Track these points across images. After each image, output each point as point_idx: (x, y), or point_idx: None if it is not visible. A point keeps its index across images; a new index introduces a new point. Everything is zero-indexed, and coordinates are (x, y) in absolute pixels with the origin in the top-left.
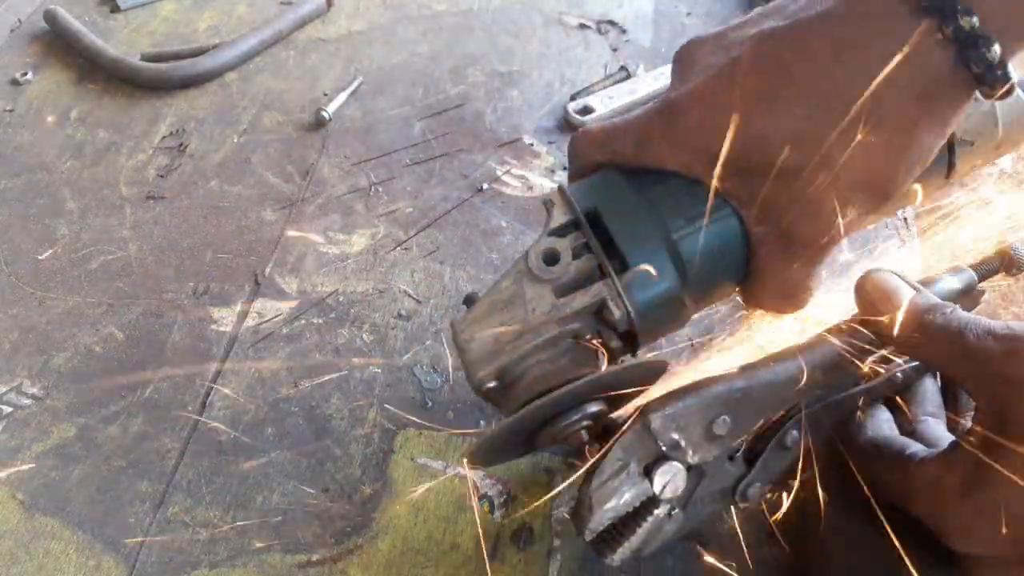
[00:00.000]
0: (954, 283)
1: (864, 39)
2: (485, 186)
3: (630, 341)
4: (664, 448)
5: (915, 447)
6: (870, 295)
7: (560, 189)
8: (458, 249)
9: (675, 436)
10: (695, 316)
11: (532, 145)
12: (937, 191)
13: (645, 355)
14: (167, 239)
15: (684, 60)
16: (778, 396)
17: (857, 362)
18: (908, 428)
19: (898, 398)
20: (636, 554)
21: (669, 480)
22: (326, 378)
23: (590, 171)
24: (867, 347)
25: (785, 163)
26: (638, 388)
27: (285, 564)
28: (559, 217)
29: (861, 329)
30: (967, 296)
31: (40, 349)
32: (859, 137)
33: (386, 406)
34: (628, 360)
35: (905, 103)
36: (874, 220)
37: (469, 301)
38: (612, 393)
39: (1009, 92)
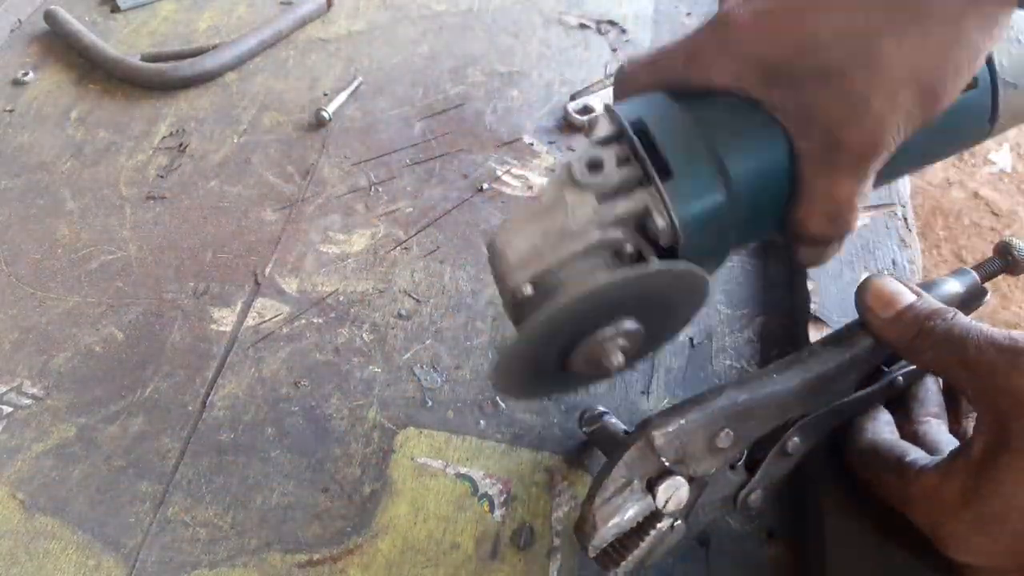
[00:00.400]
0: (956, 286)
1: None
2: (485, 186)
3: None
4: (667, 463)
5: (915, 453)
6: (870, 300)
7: (606, 106)
8: (458, 249)
9: (678, 452)
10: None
11: (532, 145)
12: (980, 140)
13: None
14: (167, 239)
15: None
16: (781, 407)
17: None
18: (909, 430)
19: (900, 398)
20: (640, 566)
21: (672, 495)
22: (326, 378)
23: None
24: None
25: (831, 62)
26: (678, 313)
27: (285, 564)
28: (604, 128)
29: (863, 334)
30: (971, 298)
31: (40, 349)
32: (906, 31)
33: (386, 406)
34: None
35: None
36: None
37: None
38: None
39: None
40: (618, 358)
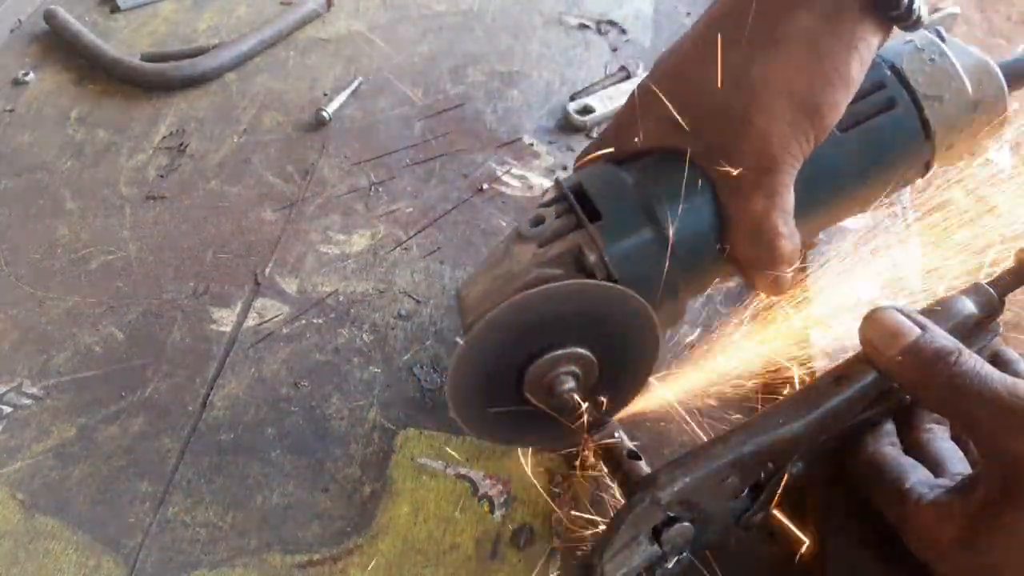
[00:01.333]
0: (969, 305)
1: None
2: (485, 186)
3: None
4: (672, 515)
5: (914, 478)
6: (873, 336)
7: (556, 179)
8: (458, 249)
9: (683, 503)
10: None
11: (532, 145)
12: (928, 157)
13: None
14: (167, 239)
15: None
16: (787, 450)
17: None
18: (912, 437)
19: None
20: None
21: (677, 537)
22: (326, 378)
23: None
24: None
25: (717, 98)
26: (628, 346)
27: (285, 564)
28: (550, 193)
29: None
30: (986, 315)
31: (40, 349)
32: (769, 55)
33: (386, 406)
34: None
35: (812, 20)
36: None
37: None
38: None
39: (913, 23)
40: (568, 383)
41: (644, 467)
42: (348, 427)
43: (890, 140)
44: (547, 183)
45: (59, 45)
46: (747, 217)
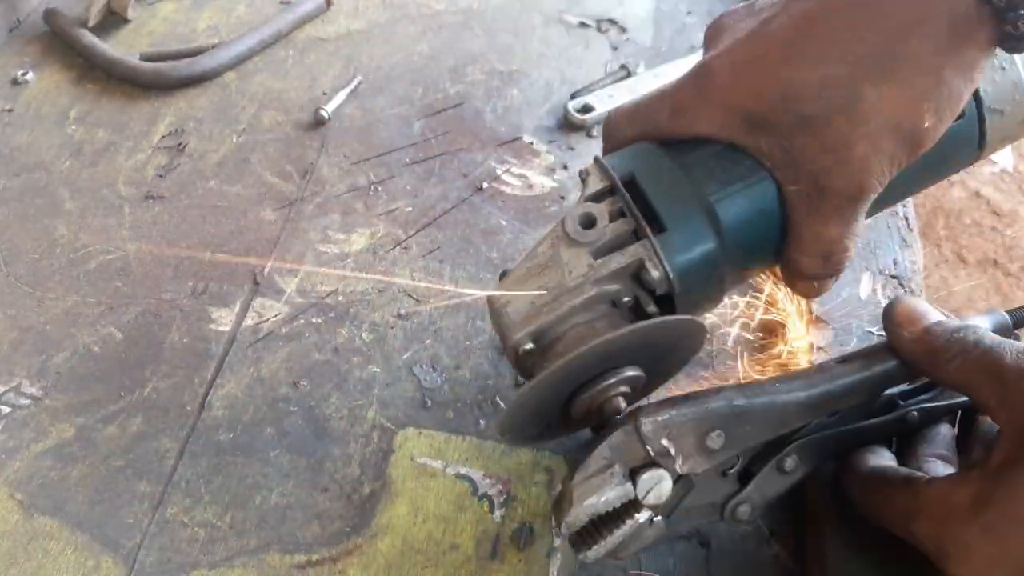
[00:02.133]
0: (984, 323)
1: None
2: (485, 185)
3: (668, 308)
4: (652, 454)
5: (920, 473)
6: (898, 317)
7: (596, 159)
8: (458, 248)
9: (665, 443)
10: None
11: (532, 144)
12: (971, 164)
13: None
14: (166, 239)
15: (715, 32)
16: (780, 418)
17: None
18: (914, 467)
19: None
20: (612, 555)
21: (653, 487)
22: (325, 377)
23: (625, 147)
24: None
25: (814, 112)
26: (676, 357)
27: (284, 564)
28: (595, 183)
29: (882, 356)
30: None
31: (38, 349)
32: (885, 80)
33: (385, 406)
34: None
35: (930, 44)
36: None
37: (503, 276)
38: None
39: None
40: (620, 404)
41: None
42: (347, 427)
43: (949, 152)
44: (547, 182)
45: (58, 45)
46: (821, 239)
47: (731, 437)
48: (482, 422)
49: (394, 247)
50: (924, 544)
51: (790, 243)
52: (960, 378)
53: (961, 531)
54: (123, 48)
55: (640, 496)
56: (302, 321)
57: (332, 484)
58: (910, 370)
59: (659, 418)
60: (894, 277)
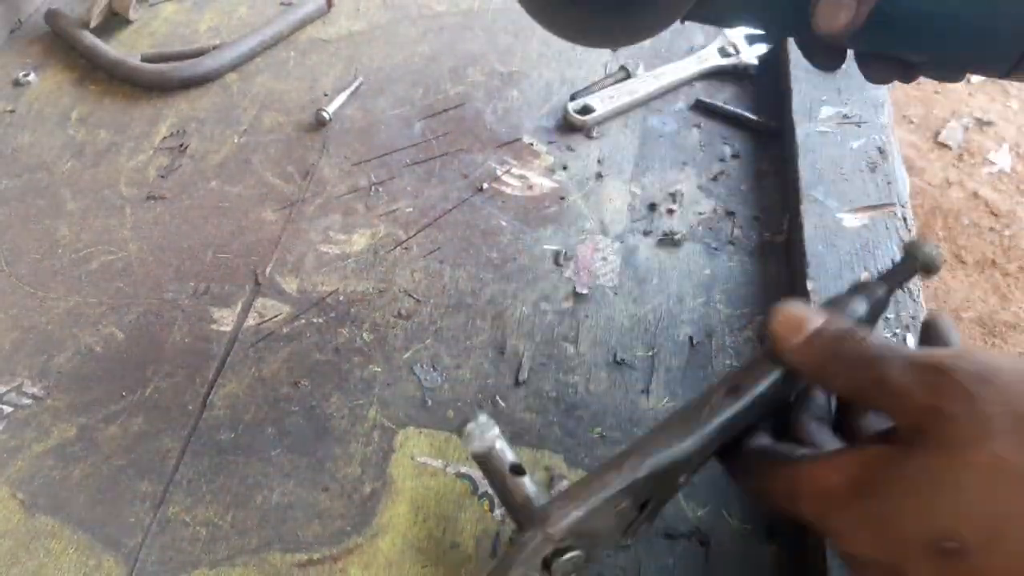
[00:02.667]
0: (860, 303)
1: None
2: (485, 186)
3: None
4: (564, 544)
5: (801, 450)
6: (778, 327)
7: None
8: (458, 248)
9: (576, 533)
10: (694, 315)
11: (532, 145)
12: None
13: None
14: (167, 239)
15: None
16: (680, 468)
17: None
18: (791, 437)
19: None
20: None
21: (568, 565)
22: (326, 377)
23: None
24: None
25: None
26: None
27: (285, 563)
28: None
29: (768, 367)
30: (874, 312)
31: (40, 349)
32: None
33: (386, 405)
34: None
35: None
36: None
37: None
38: None
39: None
40: None
41: (527, 485)
42: (348, 426)
43: None
44: (547, 182)
45: (60, 46)
46: None
47: (635, 500)
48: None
49: (395, 247)
50: (811, 523)
51: None
52: (849, 389)
53: (840, 516)
54: (125, 49)
55: (556, 574)
56: (303, 321)
57: (333, 483)
58: (796, 378)
59: (567, 523)
60: None
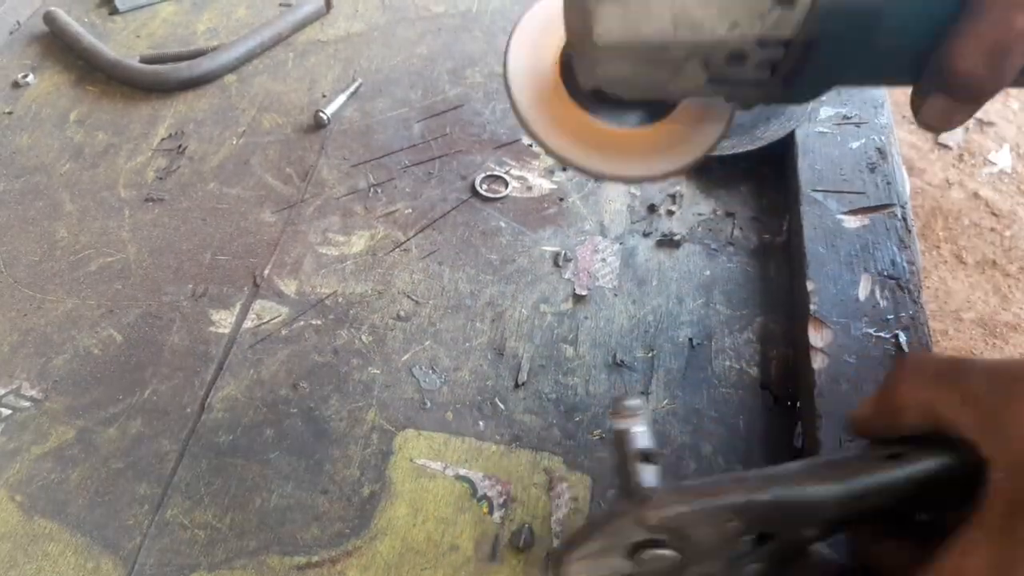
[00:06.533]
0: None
1: None
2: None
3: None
4: (656, 538)
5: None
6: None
7: None
8: (457, 250)
9: (673, 531)
10: (693, 316)
11: (531, 146)
12: None
13: None
14: (166, 241)
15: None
16: (806, 514)
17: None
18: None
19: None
20: None
21: (655, 563)
22: (324, 379)
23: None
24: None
25: None
26: None
27: (284, 566)
28: None
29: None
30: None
31: (39, 351)
32: None
33: (385, 407)
34: None
35: None
36: None
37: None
38: None
39: None
40: None
41: (651, 475)
42: (347, 428)
43: None
44: (546, 184)
45: (58, 47)
46: (1005, 23)
47: (749, 526)
48: (481, 423)
49: (393, 249)
50: None
51: (957, 31)
52: (926, 411)
53: None
54: (123, 50)
55: (638, 571)
56: (302, 323)
57: (332, 486)
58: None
59: (667, 514)
60: (892, 278)
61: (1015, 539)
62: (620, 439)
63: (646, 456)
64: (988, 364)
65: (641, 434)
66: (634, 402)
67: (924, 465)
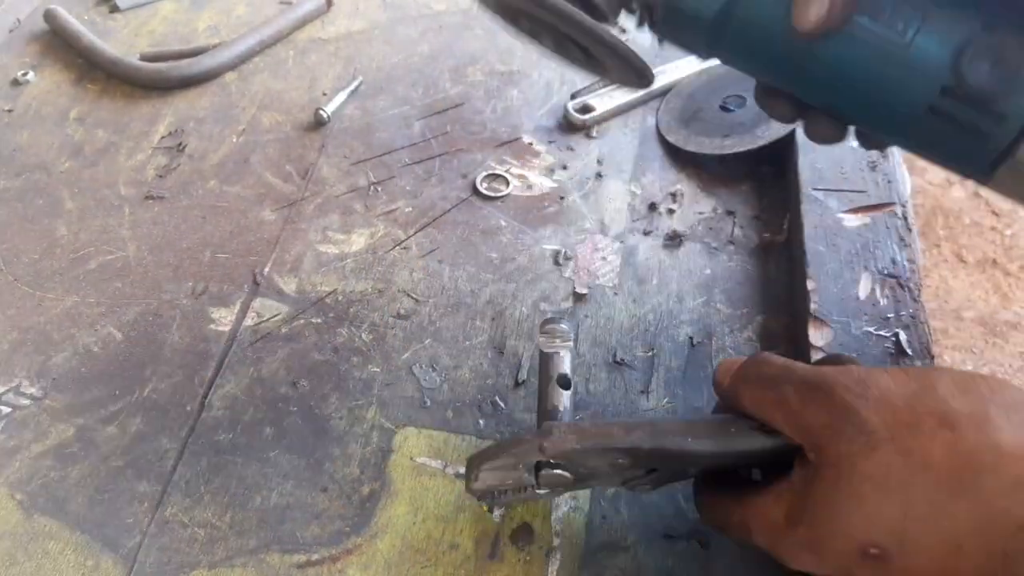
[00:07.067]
0: None
1: None
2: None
3: None
4: (555, 462)
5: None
6: (719, 376)
7: None
8: (457, 248)
9: (570, 461)
10: (694, 315)
11: (532, 144)
12: None
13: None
14: (166, 239)
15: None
16: (684, 463)
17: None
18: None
19: None
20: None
21: (554, 480)
22: (324, 377)
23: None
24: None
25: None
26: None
27: (284, 564)
28: None
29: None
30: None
31: (38, 349)
32: None
33: (385, 405)
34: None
35: None
36: None
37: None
38: None
39: None
40: None
41: (563, 399)
42: (347, 427)
43: None
44: (547, 182)
45: (58, 45)
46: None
47: (634, 463)
48: (481, 422)
49: (393, 247)
50: (767, 551)
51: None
52: (754, 408)
53: (784, 545)
54: (123, 48)
55: (540, 484)
56: (302, 321)
57: (332, 484)
58: None
59: (562, 448)
60: (892, 277)
61: (806, 500)
62: (545, 361)
63: (563, 381)
64: (801, 373)
65: (565, 360)
66: (563, 326)
67: (771, 441)
